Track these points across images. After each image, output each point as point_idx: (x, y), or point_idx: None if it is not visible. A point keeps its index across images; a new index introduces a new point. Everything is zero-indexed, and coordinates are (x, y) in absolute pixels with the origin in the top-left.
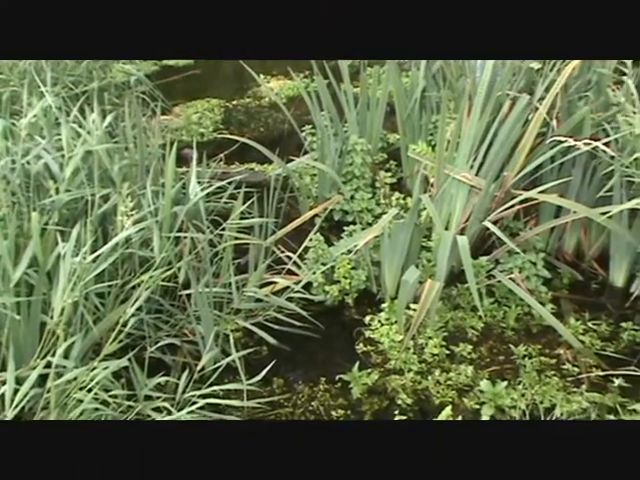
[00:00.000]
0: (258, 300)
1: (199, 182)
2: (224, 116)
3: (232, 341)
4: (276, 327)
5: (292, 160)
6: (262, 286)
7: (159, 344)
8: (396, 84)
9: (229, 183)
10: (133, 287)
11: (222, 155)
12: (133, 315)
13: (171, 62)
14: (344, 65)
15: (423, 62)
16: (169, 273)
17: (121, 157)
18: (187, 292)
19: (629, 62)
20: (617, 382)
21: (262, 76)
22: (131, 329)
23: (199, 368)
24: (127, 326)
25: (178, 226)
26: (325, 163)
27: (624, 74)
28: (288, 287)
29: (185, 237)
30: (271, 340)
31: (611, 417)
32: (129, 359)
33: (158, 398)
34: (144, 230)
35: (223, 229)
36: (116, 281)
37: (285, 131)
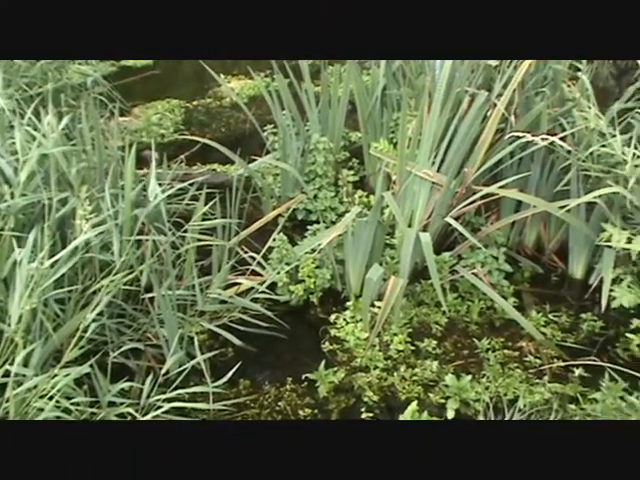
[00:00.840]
0: (222, 302)
1: (160, 184)
2: (185, 117)
3: (197, 343)
4: (241, 328)
5: (254, 160)
6: (226, 287)
7: (122, 349)
8: (357, 82)
9: (191, 184)
10: (94, 292)
11: (183, 156)
12: (94, 320)
13: (129, 63)
14: (304, 64)
15: (383, 60)
16: (131, 277)
17: (79, 160)
18: (150, 295)
19: None
20: (577, 372)
21: (222, 76)
22: (93, 334)
23: (163, 372)
24: (88, 332)
25: (139, 229)
26: (287, 162)
27: (579, 70)
28: (252, 288)
29: (147, 240)
30: (236, 341)
31: (572, 406)
32: (91, 365)
33: (122, 404)
34: (104, 234)
35: (185, 231)
36: (76, 286)
37: (247, 131)
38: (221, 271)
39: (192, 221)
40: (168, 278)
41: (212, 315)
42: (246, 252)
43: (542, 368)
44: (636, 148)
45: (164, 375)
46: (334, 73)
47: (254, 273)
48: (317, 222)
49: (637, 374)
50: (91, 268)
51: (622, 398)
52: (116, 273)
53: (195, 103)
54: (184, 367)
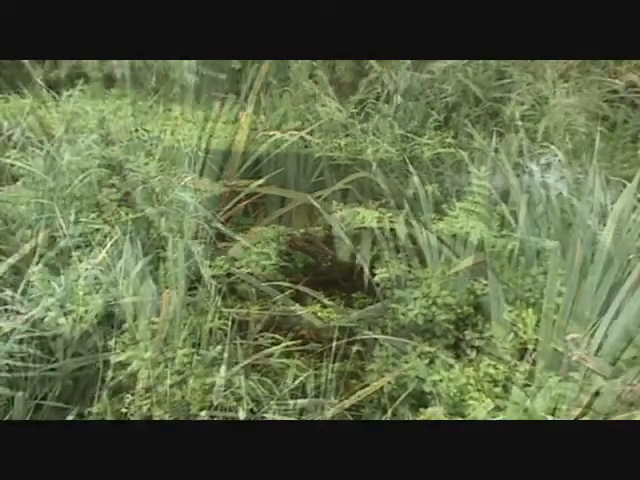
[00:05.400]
0: None
1: None
2: None
3: None
4: (9, 375)
5: None
6: None
7: None
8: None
9: None
10: None
11: None
12: None
13: None
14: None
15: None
16: None
17: None
18: None
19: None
20: (355, 348)
21: None
22: None
23: None
24: None
25: None
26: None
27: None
28: (15, 329)
29: None
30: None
31: (354, 381)
32: None
33: None
34: None
35: None
36: None
37: None
38: None
39: None
40: None
41: None
42: (2, 291)
43: (323, 349)
44: (374, 135)
45: None
46: None
47: (15, 313)
48: (81, 247)
49: (403, 340)
50: None
51: (393, 364)
52: None
53: None
54: None
